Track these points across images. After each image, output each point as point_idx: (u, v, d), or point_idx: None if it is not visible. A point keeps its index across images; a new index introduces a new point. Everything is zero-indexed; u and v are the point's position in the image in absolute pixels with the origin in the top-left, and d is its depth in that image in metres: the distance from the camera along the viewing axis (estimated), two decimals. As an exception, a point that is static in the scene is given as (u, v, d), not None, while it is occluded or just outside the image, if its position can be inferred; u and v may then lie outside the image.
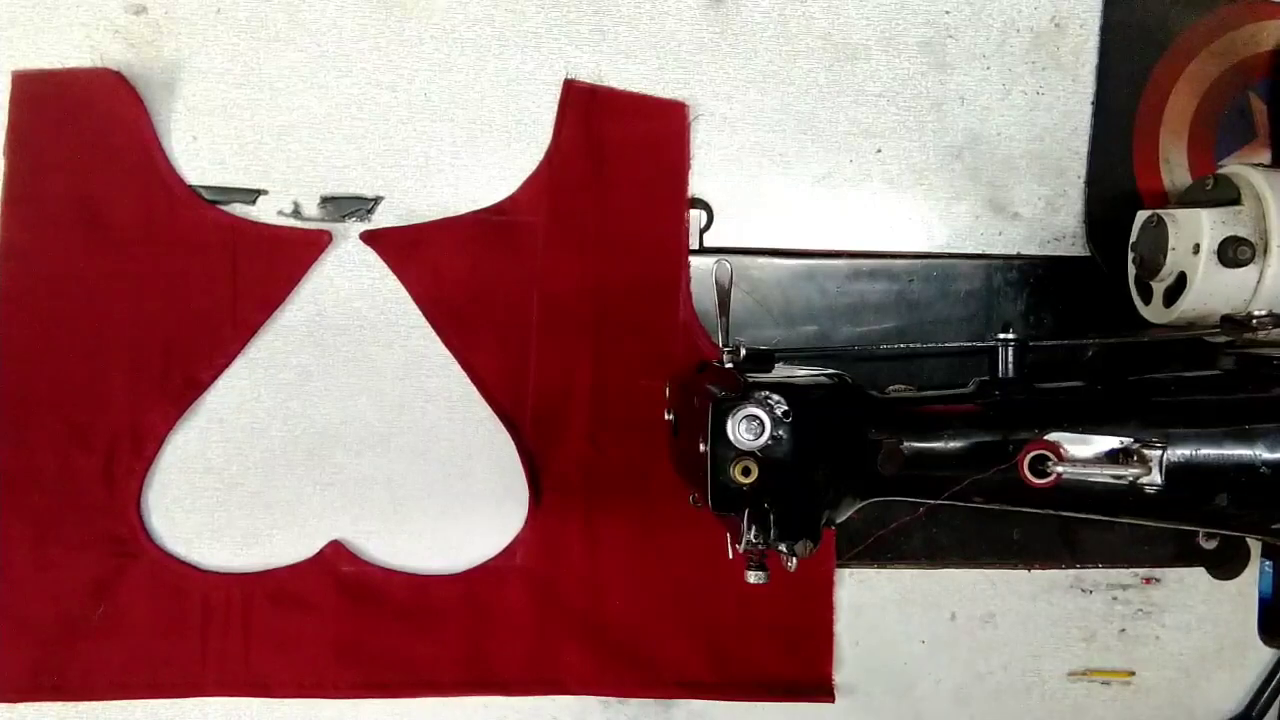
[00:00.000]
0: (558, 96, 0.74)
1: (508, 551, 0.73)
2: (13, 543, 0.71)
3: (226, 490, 0.73)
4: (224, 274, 0.72)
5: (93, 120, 0.71)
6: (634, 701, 0.75)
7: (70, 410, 0.71)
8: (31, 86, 0.71)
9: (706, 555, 0.73)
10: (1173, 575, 0.78)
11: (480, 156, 0.74)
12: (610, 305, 0.73)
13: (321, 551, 0.73)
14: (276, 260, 0.73)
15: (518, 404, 0.73)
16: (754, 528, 0.56)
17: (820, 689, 0.75)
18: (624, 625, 0.74)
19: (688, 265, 0.74)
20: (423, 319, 0.73)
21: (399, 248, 0.73)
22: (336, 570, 0.73)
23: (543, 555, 0.73)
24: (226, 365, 0.73)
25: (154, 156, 0.72)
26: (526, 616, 0.73)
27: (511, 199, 0.73)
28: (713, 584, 0.74)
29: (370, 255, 0.73)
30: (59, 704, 0.72)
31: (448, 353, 0.73)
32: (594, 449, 0.73)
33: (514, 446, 0.73)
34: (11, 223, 0.71)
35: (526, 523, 0.73)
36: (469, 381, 0.74)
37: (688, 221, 0.74)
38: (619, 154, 0.74)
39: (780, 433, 0.55)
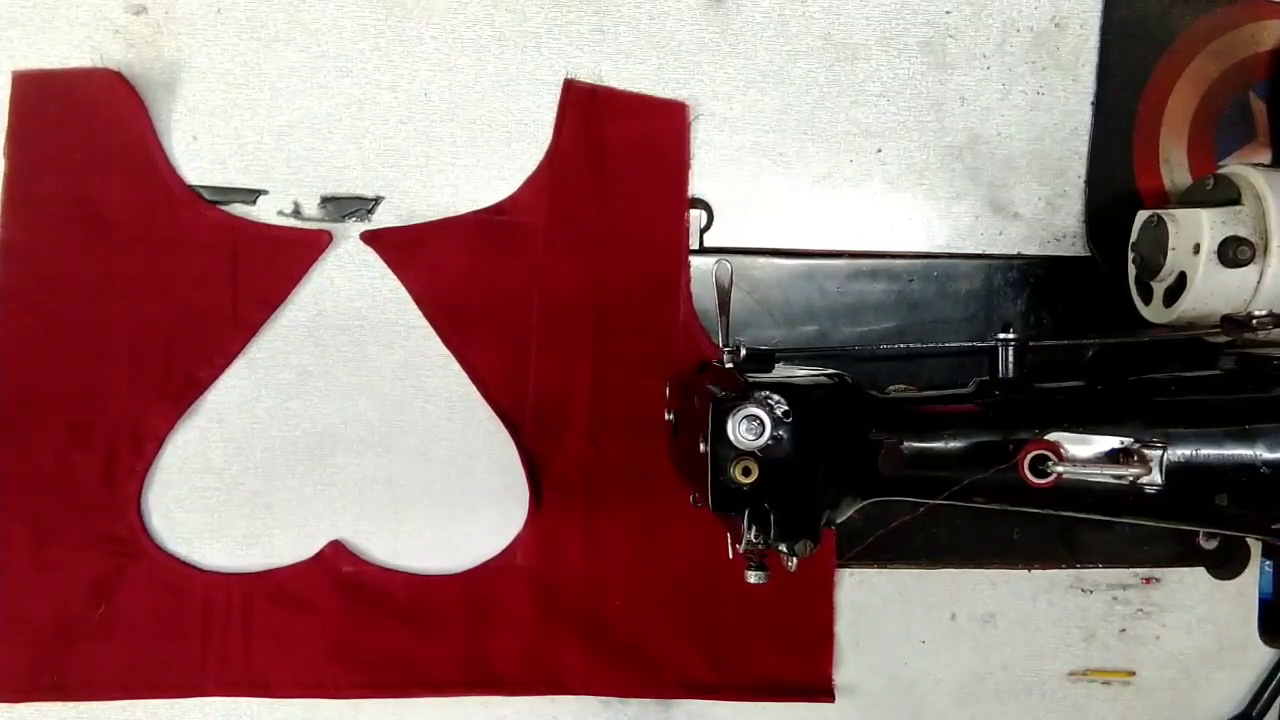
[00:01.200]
0: (558, 96, 0.74)
1: (508, 551, 0.73)
2: (12, 543, 0.71)
3: (226, 490, 0.73)
4: (224, 274, 0.72)
5: (93, 120, 0.71)
6: (634, 701, 0.75)
7: (70, 410, 0.71)
8: (31, 86, 0.71)
9: (707, 555, 0.73)
10: (1173, 575, 0.78)
11: (480, 156, 0.74)
12: (610, 305, 0.73)
13: (321, 552, 0.73)
14: (276, 260, 0.73)
15: (518, 404, 0.73)
16: (754, 528, 0.56)
17: (820, 689, 0.75)
18: (624, 625, 0.74)
19: (688, 265, 0.74)
20: (423, 319, 0.73)
21: (399, 247, 0.73)
22: (337, 570, 0.73)
23: (543, 555, 0.73)
24: (226, 365, 0.73)
25: (154, 156, 0.72)
26: (526, 616, 0.73)
27: (512, 199, 0.73)
28: (713, 584, 0.74)
29: (370, 255, 0.73)
30: (59, 704, 0.72)
31: (448, 353, 0.73)
32: (594, 449, 0.73)
33: (514, 446, 0.73)
34: (12, 223, 0.71)
35: (526, 523, 0.73)
36: (469, 381, 0.74)
37: (688, 221, 0.74)
38: (619, 154, 0.73)
39: (780, 433, 0.55)
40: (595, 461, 0.73)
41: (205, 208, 0.72)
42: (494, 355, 0.73)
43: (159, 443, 0.72)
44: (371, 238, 0.73)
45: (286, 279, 0.73)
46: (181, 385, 0.72)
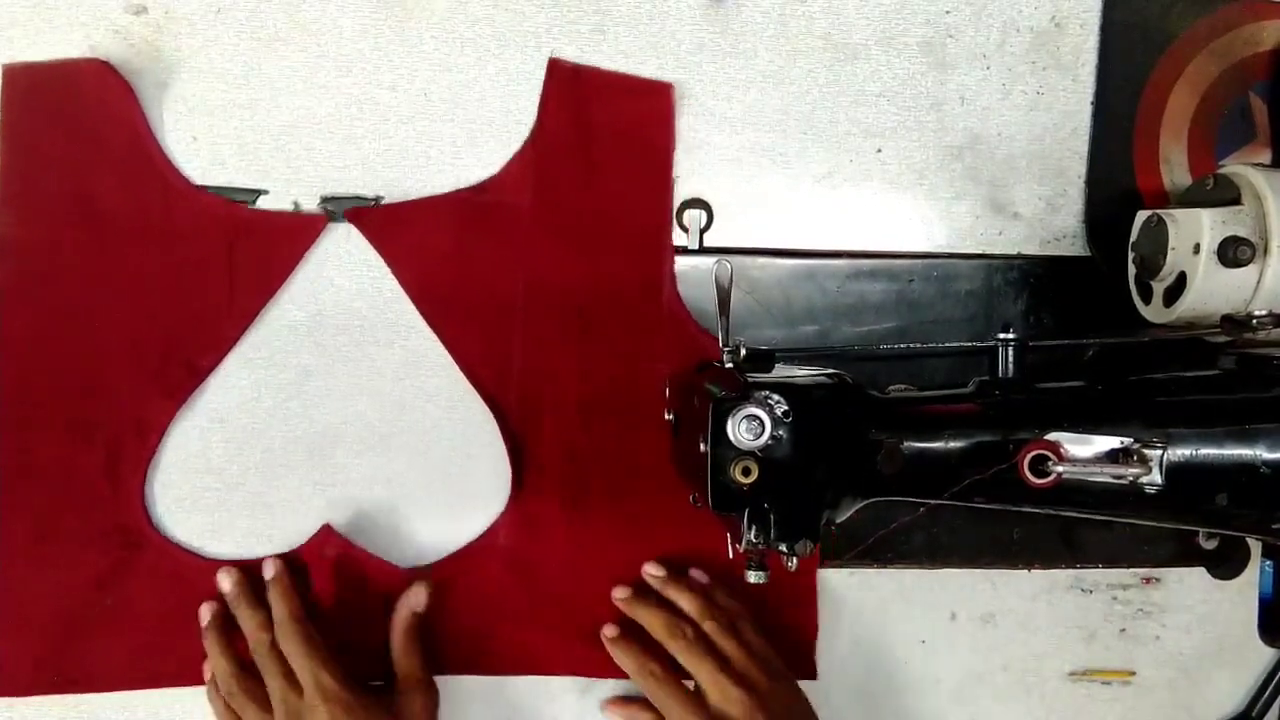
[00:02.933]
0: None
1: (490, 532, 0.73)
2: (17, 538, 0.71)
3: (227, 490, 0.73)
4: (221, 261, 0.72)
5: (84, 110, 0.71)
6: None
7: (71, 404, 0.71)
8: (21, 79, 0.71)
9: (691, 541, 0.73)
10: (1173, 575, 0.78)
11: (481, 156, 0.74)
12: (594, 287, 0.73)
13: (315, 536, 0.73)
14: (273, 246, 0.72)
15: (502, 385, 0.73)
16: (754, 528, 0.56)
17: (802, 670, 0.74)
18: (606, 608, 0.73)
19: (671, 247, 0.74)
20: (423, 319, 0.73)
21: (383, 226, 0.73)
22: (327, 555, 0.72)
23: (525, 537, 0.73)
24: (226, 352, 0.72)
25: (146, 145, 0.71)
26: (509, 598, 0.73)
27: (496, 178, 0.73)
28: (697, 567, 0.74)
29: (371, 254, 0.73)
30: (58, 700, 0.72)
31: (448, 352, 0.73)
32: (578, 433, 0.73)
33: (499, 430, 0.73)
34: (6, 217, 0.71)
35: (509, 505, 0.73)
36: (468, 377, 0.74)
37: (672, 202, 0.74)
38: (604, 134, 0.73)
39: (780, 433, 0.55)
40: (579, 445, 0.73)
41: (199, 195, 0.72)
42: (478, 336, 0.73)
43: (161, 433, 0.72)
44: (355, 216, 0.72)
45: (284, 264, 0.73)
46: (182, 375, 0.72)
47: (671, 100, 0.74)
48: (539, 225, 0.73)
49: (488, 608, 0.73)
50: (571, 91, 0.73)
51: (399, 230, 0.73)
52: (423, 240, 0.73)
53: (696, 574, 0.74)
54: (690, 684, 0.69)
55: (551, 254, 0.73)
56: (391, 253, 0.73)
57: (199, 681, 0.72)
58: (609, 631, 0.73)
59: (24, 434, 0.71)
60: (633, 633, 0.73)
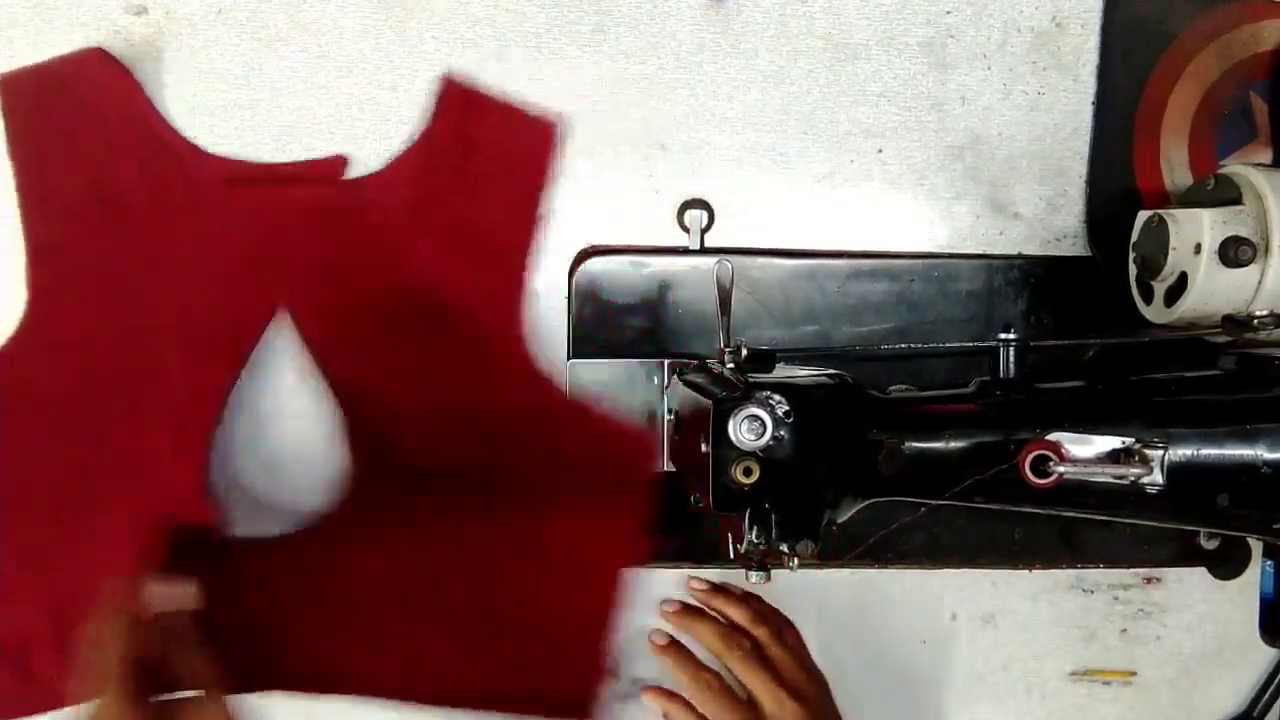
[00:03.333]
0: (555, 95, 0.73)
1: (301, 534, 0.72)
2: (109, 535, 0.70)
3: (226, 491, 0.73)
4: (247, 221, 0.71)
5: (86, 102, 0.70)
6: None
7: (126, 395, 0.70)
8: (19, 84, 0.70)
9: (522, 554, 0.71)
10: (1173, 575, 0.78)
11: (480, 156, 0.74)
12: (449, 299, 0.72)
13: None
14: (294, 198, 0.72)
15: (349, 381, 0.72)
16: (755, 528, 0.57)
17: (578, 709, 0.72)
18: (400, 631, 0.71)
19: (525, 275, 0.73)
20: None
21: (255, 203, 0.71)
22: None
23: (344, 540, 0.71)
24: (270, 316, 0.72)
25: (152, 122, 0.71)
26: (310, 609, 0.71)
27: (374, 176, 0.72)
28: (494, 591, 0.72)
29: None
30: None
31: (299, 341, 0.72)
32: (411, 437, 0.72)
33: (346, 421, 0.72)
34: (32, 220, 0.70)
35: (339, 504, 0.72)
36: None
37: (536, 233, 0.73)
38: (483, 157, 0.72)
39: (782, 433, 0.55)
40: (412, 451, 0.72)
41: (212, 160, 0.71)
42: (333, 329, 0.72)
43: (219, 409, 0.71)
44: (230, 179, 0.71)
45: (307, 213, 0.72)
46: (230, 346, 0.71)
47: (553, 137, 0.73)
48: (408, 230, 0.72)
49: (289, 615, 0.70)
50: (460, 110, 0.72)
51: (268, 207, 0.71)
52: (293, 222, 0.71)
53: (732, 585, 0.73)
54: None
55: (413, 256, 0.72)
56: (257, 230, 0.71)
57: None
58: (658, 639, 0.72)
59: (84, 430, 0.70)
60: (410, 647, 0.71)
